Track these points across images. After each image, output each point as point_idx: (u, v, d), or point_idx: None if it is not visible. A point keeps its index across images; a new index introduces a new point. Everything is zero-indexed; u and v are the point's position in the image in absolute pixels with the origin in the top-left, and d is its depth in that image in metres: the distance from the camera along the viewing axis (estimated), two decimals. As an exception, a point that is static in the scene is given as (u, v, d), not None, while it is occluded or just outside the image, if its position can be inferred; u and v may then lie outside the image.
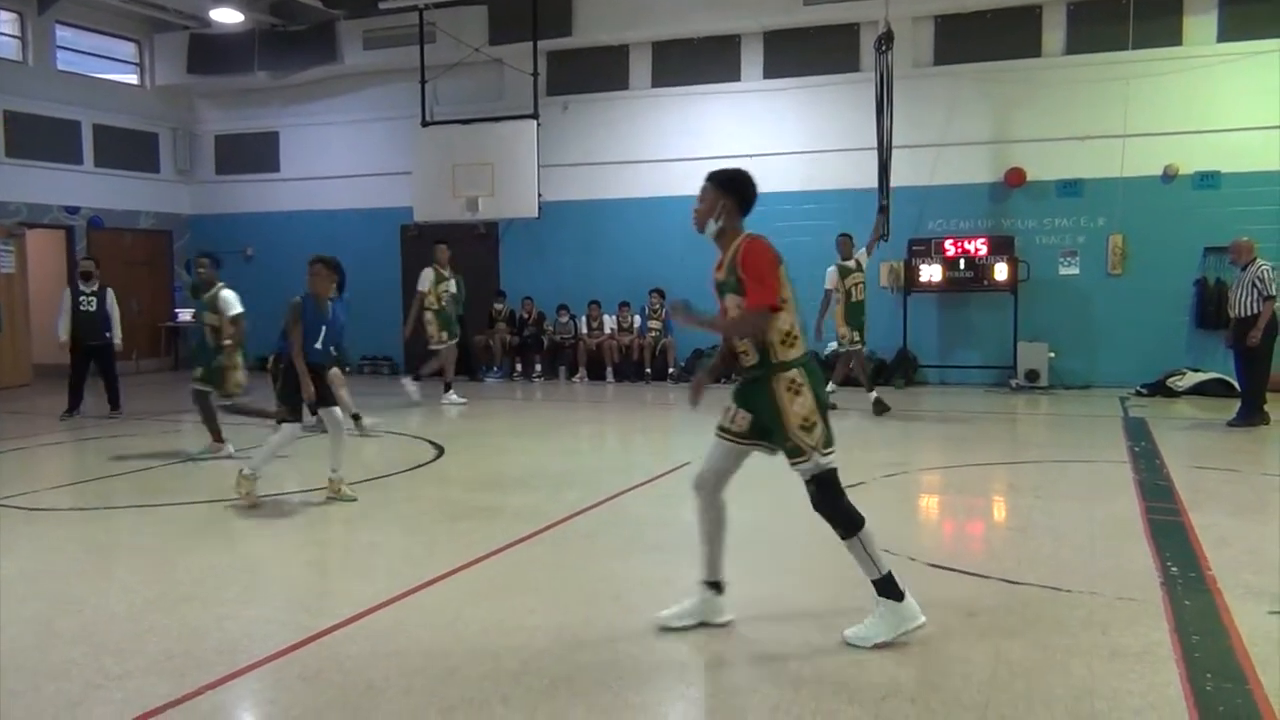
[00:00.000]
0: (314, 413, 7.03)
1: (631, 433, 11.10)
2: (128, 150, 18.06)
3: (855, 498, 4.34)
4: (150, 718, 3.52)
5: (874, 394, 11.59)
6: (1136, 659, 3.98)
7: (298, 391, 6.87)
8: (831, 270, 11.73)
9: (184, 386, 10.63)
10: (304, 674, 3.93)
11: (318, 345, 7.02)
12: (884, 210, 11.84)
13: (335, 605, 4.67)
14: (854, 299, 11.66)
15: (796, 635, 4.33)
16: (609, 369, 15.64)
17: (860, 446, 9.63)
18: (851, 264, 11.68)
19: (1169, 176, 13.73)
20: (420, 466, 8.57)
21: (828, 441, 4.19)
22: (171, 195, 18.89)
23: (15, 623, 4.60)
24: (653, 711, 3.61)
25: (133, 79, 18.49)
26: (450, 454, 9.12)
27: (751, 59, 15.62)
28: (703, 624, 4.37)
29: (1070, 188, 14.18)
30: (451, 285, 13.21)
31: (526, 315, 16.49)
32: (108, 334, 11.86)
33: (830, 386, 11.00)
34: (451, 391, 12.64)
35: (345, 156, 17.76)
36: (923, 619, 4.15)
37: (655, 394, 14.07)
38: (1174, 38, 13.64)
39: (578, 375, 15.85)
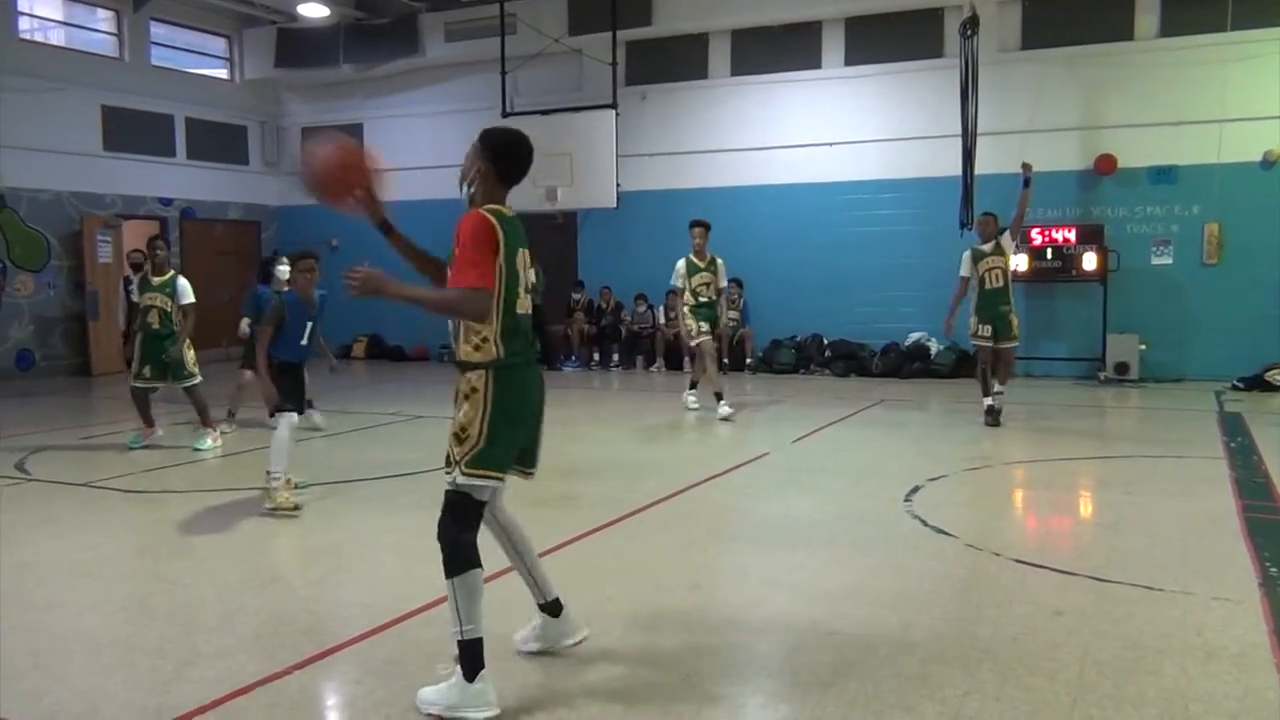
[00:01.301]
0: (271, 415, 6.59)
1: (709, 423, 11.06)
2: (218, 143, 18.55)
3: (937, 491, 4.25)
4: (240, 695, 3.61)
5: (987, 400, 10.16)
6: (1233, 662, 3.85)
7: (295, 384, 6.75)
8: (966, 255, 10.42)
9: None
10: (388, 657, 3.99)
11: (303, 342, 6.87)
12: (1028, 184, 10.32)
13: (416, 590, 4.73)
14: (987, 286, 10.18)
15: (878, 629, 4.27)
16: (686, 359, 15.59)
17: (942, 440, 9.48)
18: (987, 248, 10.23)
19: (1268, 163, 13.22)
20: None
21: (481, 462, 3.50)
22: (259, 187, 19.36)
23: (112, 600, 4.76)
24: (731, 703, 3.59)
25: (223, 73, 18.99)
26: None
27: (833, 46, 15.43)
28: (549, 651, 3.93)
29: (1163, 175, 13.74)
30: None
31: (604, 305, 16.54)
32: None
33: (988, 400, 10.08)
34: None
35: (427, 148, 17.96)
36: (494, 713, 3.40)
37: (732, 384, 14.01)
38: (1273, 18, 13.10)
39: (655, 365, 15.87)
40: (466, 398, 3.52)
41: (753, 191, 15.53)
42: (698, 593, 4.84)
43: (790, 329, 15.51)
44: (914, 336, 14.76)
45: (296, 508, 6.38)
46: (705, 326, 10.67)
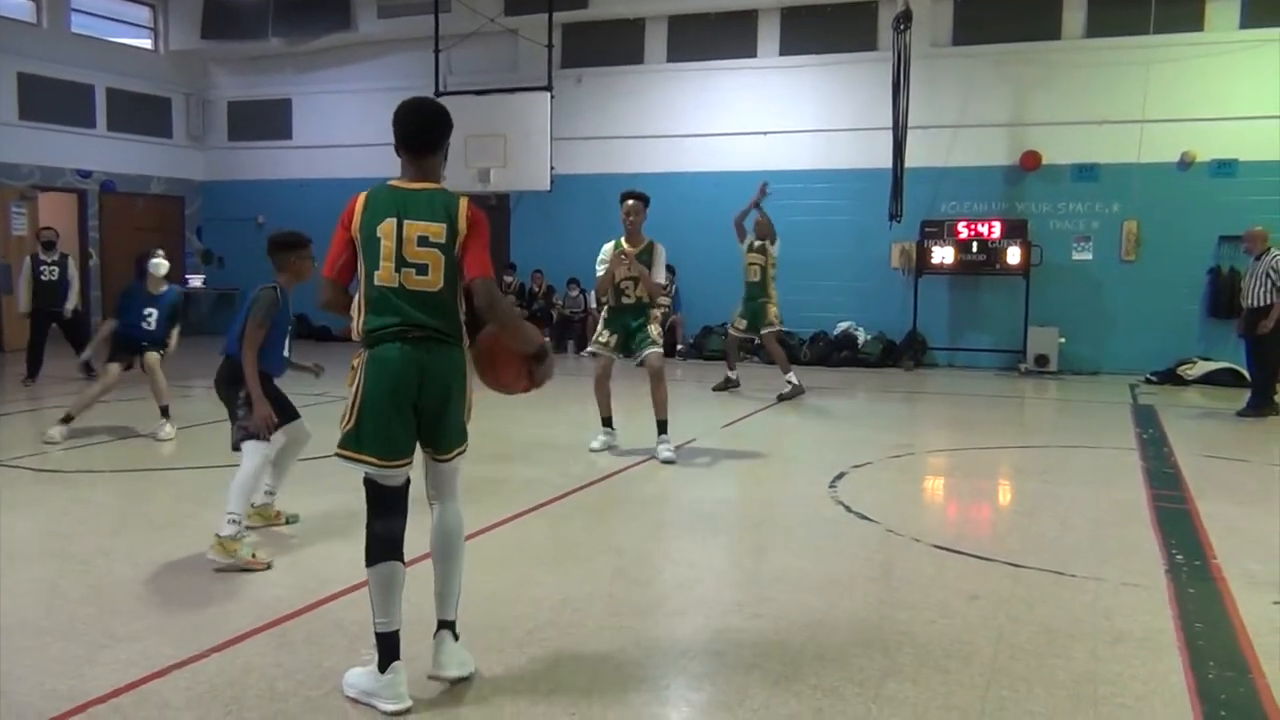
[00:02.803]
0: (244, 441, 5.15)
1: (639, 408, 11.08)
2: (141, 115, 18.05)
3: (861, 477, 4.33)
4: (156, 679, 3.55)
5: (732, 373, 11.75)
6: (1140, 645, 3.98)
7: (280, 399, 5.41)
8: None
9: (192, 353, 10.68)
10: (309, 639, 3.95)
11: (285, 353, 5.52)
12: (758, 205, 11.50)
13: (341, 571, 4.68)
14: (748, 279, 11.47)
15: (801, 612, 4.34)
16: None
17: (868, 427, 9.63)
18: (756, 244, 11.45)
19: (1185, 164, 13.63)
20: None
21: (348, 443, 3.42)
22: (184, 161, 18.90)
23: (23, 582, 4.63)
24: (655, 685, 3.62)
25: (147, 43, 18.47)
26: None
27: (768, 35, 15.52)
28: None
29: (1086, 172, 14.09)
30: None
31: (536, 288, 16.48)
32: (65, 303, 11.68)
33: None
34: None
35: (358, 125, 17.70)
36: (401, 706, 3.29)
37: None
38: (1195, 23, 13.51)
39: (586, 350, 15.83)
40: (351, 378, 3.48)
41: (687, 178, 15.56)
42: (624, 576, 4.86)
43: (721, 316, 15.53)
44: (842, 326, 14.96)
45: (268, 566, 4.86)
46: (608, 338, 7.97)
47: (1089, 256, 14.14)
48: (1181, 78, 13.42)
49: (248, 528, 5.08)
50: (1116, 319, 13.98)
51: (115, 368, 8.33)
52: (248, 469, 5.05)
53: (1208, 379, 12.76)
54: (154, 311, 8.40)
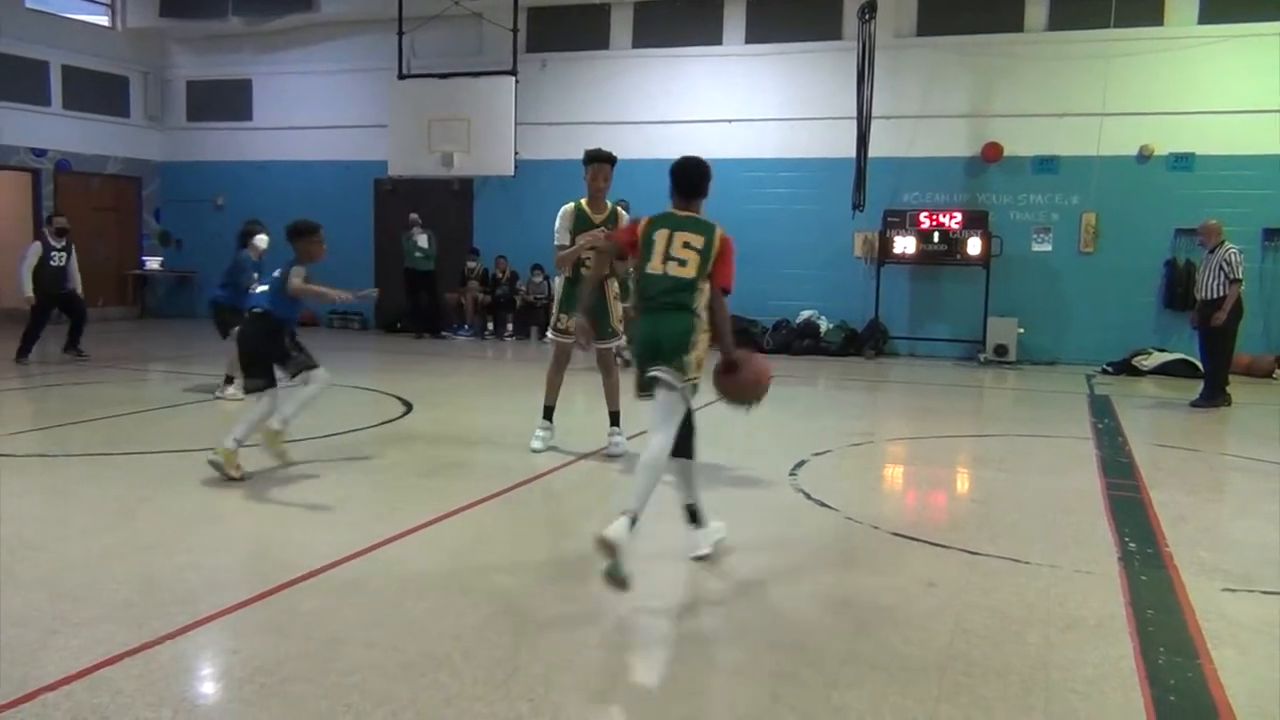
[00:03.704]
0: (300, 373, 6.52)
1: (601, 395, 11.08)
2: (97, 93, 17.74)
3: (822, 465, 4.35)
4: (108, 665, 3.50)
5: None
6: (1092, 631, 4.04)
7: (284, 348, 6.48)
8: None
9: (151, 334, 10.53)
10: (265, 625, 3.92)
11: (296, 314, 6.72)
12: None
13: (298, 558, 4.65)
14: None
15: (760, 599, 4.36)
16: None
17: (829, 415, 9.69)
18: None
19: (1144, 157, 13.81)
20: (388, 422, 8.54)
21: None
22: (141, 140, 18.60)
23: (-28, 567, 4.55)
24: (615, 668, 3.63)
25: (104, 20, 18.14)
26: (419, 410, 9.09)
27: (734, 23, 15.52)
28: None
29: (1046, 164, 14.23)
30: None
31: (500, 274, 16.40)
32: (70, 285, 11.84)
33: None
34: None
35: (319, 107, 17.53)
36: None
37: (626, 357, 14.06)
38: (1155, 17, 13.68)
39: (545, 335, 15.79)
40: None
41: (651, 165, 15.35)
42: (585, 562, 4.86)
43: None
44: (805, 314, 15.03)
45: (242, 478, 6.10)
46: (567, 322, 7.26)
47: (1048, 248, 14.30)
48: (1141, 72, 13.58)
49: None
50: (1074, 310, 14.16)
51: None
52: (258, 409, 6.33)
53: (1162, 370, 12.96)
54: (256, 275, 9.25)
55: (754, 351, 5.02)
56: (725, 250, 4.74)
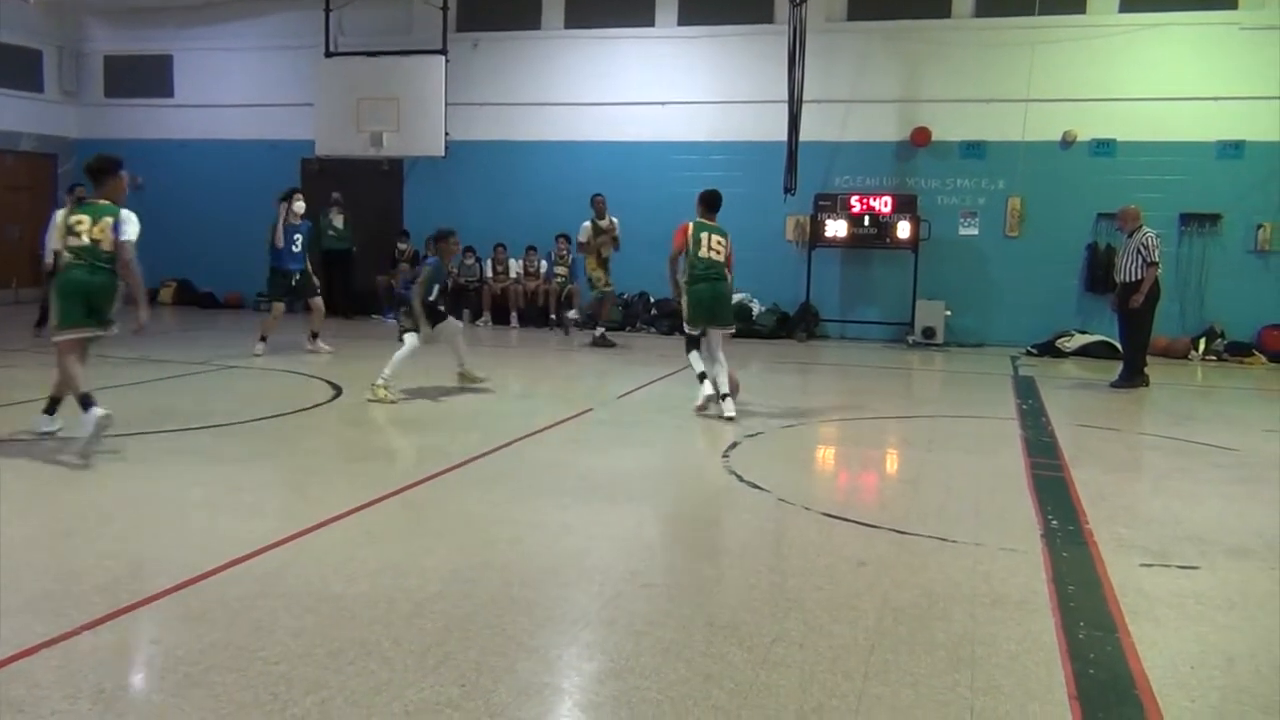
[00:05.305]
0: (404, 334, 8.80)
1: (535, 378, 11.04)
2: (8, 67, 17.09)
3: (754, 447, 4.38)
4: (24, 657, 3.40)
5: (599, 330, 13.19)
6: (1016, 607, 4.14)
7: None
8: (586, 225, 13.07)
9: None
10: (188, 614, 3.83)
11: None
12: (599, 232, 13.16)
13: (223, 545, 4.56)
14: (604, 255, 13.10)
15: (692, 579, 4.38)
16: (513, 314, 15.54)
17: (760, 397, 9.76)
18: (605, 223, 13.01)
19: (1067, 143, 14.09)
20: (318, 406, 8.41)
21: (689, 319, 8.31)
22: (56, 117, 17.98)
23: (-122, 559, 4.38)
24: (546, 654, 3.62)
25: (14, -10, 17.46)
26: (349, 394, 8.95)
27: (666, 5, 15.46)
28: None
29: (973, 149, 14.45)
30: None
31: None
32: None
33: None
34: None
35: (244, 85, 17.10)
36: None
37: (559, 340, 14.02)
38: (1078, 6, 13.93)
39: (481, 319, 15.68)
40: None
41: (583, 147, 15.46)
42: (519, 546, 4.84)
43: (618, 287, 15.59)
44: (737, 297, 15.07)
45: (394, 401, 8.38)
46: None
47: (975, 232, 14.53)
48: (1064, 59, 13.84)
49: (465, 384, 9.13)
50: (1000, 293, 14.42)
51: (280, 306, 11.50)
52: (404, 350, 8.66)
53: (1084, 351, 13.27)
54: (300, 238, 11.49)
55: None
56: (731, 246, 8.31)
